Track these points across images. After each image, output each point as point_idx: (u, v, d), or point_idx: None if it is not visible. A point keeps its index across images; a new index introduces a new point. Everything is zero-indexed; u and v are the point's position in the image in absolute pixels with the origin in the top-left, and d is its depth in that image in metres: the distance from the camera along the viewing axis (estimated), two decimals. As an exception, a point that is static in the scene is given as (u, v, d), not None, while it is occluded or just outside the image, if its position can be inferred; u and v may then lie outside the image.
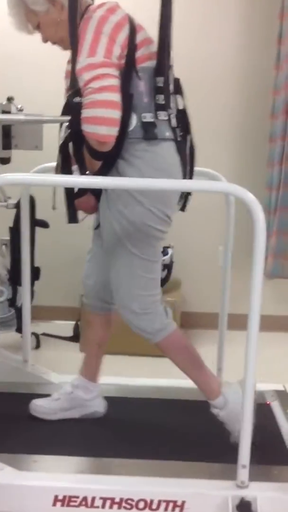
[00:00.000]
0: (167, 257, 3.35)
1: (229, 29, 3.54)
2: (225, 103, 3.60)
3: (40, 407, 2.28)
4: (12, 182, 1.72)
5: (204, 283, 3.67)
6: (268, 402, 2.42)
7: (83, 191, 1.98)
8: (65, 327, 3.61)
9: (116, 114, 1.80)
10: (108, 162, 1.89)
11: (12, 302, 3.32)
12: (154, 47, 1.95)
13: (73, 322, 3.58)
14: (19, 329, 3.21)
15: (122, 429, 2.20)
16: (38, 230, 3.15)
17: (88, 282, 2.26)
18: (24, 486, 1.83)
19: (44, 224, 3.20)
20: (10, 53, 3.03)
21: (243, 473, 1.78)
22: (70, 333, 3.56)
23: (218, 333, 2.59)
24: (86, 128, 1.81)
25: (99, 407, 2.31)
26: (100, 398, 2.32)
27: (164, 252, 3.34)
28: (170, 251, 3.39)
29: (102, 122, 1.79)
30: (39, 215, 3.09)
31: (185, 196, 2.10)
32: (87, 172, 1.93)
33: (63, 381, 2.56)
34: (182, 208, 2.12)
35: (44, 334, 3.52)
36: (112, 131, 1.81)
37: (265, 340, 3.48)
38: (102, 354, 2.35)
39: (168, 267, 3.37)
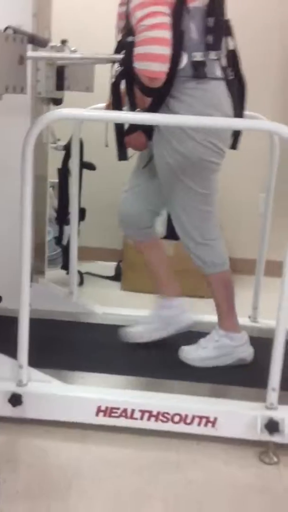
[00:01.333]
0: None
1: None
2: (275, 48, 3.59)
3: (133, 333, 2.43)
4: (68, 116, 1.83)
5: (245, 229, 3.73)
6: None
7: (134, 128, 2.08)
8: (108, 267, 3.77)
9: (166, 50, 1.89)
10: (159, 99, 1.98)
11: (59, 240, 3.47)
12: None
13: (115, 263, 3.74)
14: (64, 267, 3.38)
15: (164, 354, 2.36)
16: (84, 172, 3.26)
17: (129, 213, 2.39)
18: (70, 396, 2.01)
19: (91, 167, 3.31)
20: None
21: (273, 395, 1.92)
22: (112, 273, 3.72)
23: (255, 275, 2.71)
24: (138, 64, 1.91)
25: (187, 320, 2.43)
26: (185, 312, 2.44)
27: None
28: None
29: (153, 58, 1.89)
30: (85, 158, 3.21)
31: (235, 135, 2.18)
32: (138, 110, 2.03)
33: (106, 312, 2.74)
34: (234, 146, 2.21)
35: (87, 273, 3.68)
36: (163, 67, 1.90)
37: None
38: (168, 270, 2.47)
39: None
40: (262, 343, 2.21)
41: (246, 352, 2.29)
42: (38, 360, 2.06)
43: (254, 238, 2.80)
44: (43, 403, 2.00)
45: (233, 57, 2.10)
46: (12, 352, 1.99)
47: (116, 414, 1.97)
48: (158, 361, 2.30)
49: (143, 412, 1.96)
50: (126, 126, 2.10)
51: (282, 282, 1.86)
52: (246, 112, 2.36)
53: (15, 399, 1.96)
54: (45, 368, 2.10)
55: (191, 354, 2.28)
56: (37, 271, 2.90)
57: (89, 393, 2.03)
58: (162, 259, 2.48)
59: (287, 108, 3.63)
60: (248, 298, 2.75)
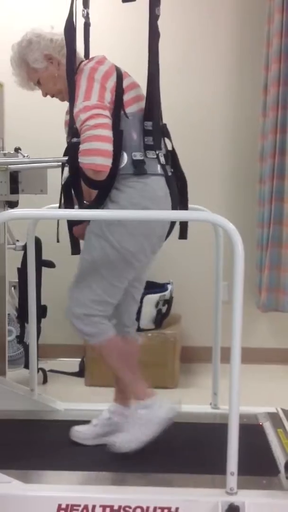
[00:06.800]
0: (167, 292, 3.52)
1: (220, 80, 3.84)
2: (217, 147, 3.88)
3: (80, 433, 2.39)
4: (17, 217, 1.92)
5: (204, 317, 3.80)
6: (260, 423, 2.57)
7: (80, 220, 2.21)
8: (71, 364, 3.77)
9: (109, 147, 2.04)
10: (103, 192, 2.11)
11: (21, 339, 3.48)
12: (140, 91, 2.20)
13: (79, 359, 3.74)
14: (27, 366, 3.37)
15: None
16: (45, 270, 3.34)
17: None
18: (30, 496, 1.98)
19: (50, 264, 3.39)
20: (17, 110, 3.33)
21: (232, 480, 1.92)
22: (76, 369, 3.72)
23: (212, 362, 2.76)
24: (84, 160, 2.04)
25: None
26: None
27: (164, 288, 3.53)
28: (169, 286, 3.57)
29: (97, 153, 2.02)
30: (45, 256, 3.30)
31: (183, 226, 2.30)
32: (85, 202, 2.15)
33: (68, 408, 2.73)
34: (183, 236, 2.31)
35: (51, 370, 3.68)
36: (106, 162, 2.04)
37: (261, 371, 3.66)
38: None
39: (168, 302, 3.54)
40: (224, 429, 2.24)
41: (165, 409, 2.24)
42: (-3, 461, 2.06)
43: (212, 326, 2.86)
44: (3, 505, 1.96)
45: (172, 156, 2.26)
46: None
47: (77, 511, 1.93)
48: (117, 454, 2.25)
49: (104, 507, 1.93)
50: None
51: (231, 368, 1.90)
52: (193, 206, 2.52)
53: (-27, 503, 1.92)
54: (5, 468, 2.06)
55: (122, 443, 2.23)
56: (-3, 371, 2.91)
57: (49, 491, 2.00)
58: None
59: (235, 202, 3.86)
60: (209, 386, 2.79)
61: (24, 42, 2.27)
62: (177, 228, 2.31)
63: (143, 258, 2.22)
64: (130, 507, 1.92)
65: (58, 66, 2.26)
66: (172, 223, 2.28)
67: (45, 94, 2.34)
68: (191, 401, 2.98)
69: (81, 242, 2.24)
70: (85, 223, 2.22)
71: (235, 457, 1.91)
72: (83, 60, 2.27)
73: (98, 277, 2.18)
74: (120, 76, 2.16)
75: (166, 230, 2.25)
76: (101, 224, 2.15)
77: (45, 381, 3.55)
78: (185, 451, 2.30)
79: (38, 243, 3.05)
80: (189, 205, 2.40)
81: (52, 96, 2.33)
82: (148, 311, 3.43)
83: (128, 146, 2.12)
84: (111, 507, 1.93)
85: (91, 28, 2.43)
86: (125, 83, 2.17)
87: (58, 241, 2.27)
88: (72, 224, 2.20)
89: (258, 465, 2.17)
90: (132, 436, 2.23)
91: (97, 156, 2.02)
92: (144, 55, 2.12)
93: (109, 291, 2.21)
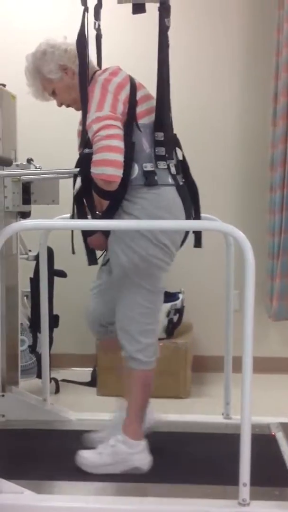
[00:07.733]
0: (178, 302, 3.52)
1: (229, 89, 3.85)
2: (227, 156, 3.88)
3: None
4: (28, 227, 1.94)
5: (216, 326, 3.78)
6: (273, 433, 2.56)
7: (94, 230, 2.22)
8: (84, 373, 3.77)
9: (120, 158, 2.06)
10: (115, 203, 2.13)
11: (33, 348, 3.49)
12: (153, 103, 2.21)
13: (91, 369, 3.74)
14: (39, 375, 3.38)
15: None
16: (57, 279, 3.36)
17: (94, 314, 2.48)
18: (43, 507, 1.98)
19: (62, 274, 3.41)
20: (30, 121, 3.36)
21: (244, 491, 1.91)
22: (88, 379, 3.72)
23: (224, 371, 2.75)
24: (95, 170, 2.06)
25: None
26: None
27: (175, 297, 3.53)
28: (181, 296, 3.57)
29: (108, 164, 2.04)
30: (57, 266, 3.31)
31: (198, 234, 2.31)
32: (97, 212, 2.16)
33: (80, 418, 2.74)
34: (198, 245, 2.32)
35: (63, 380, 3.68)
36: (117, 172, 2.06)
37: (273, 381, 3.65)
38: None
39: (179, 311, 3.54)
40: (236, 440, 2.23)
41: (143, 461, 2.23)
42: (10, 471, 2.06)
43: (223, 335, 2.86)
44: (15, 515, 1.97)
45: (182, 166, 2.27)
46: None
47: (90, 522, 1.94)
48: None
49: (117, 518, 1.93)
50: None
51: (243, 377, 1.90)
52: (204, 215, 2.52)
53: (-14, 513, 1.93)
54: (18, 479, 2.07)
55: (87, 460, 2.23)
56: (10, 381, 2.91)
57: (62, 502, 2.00)
58: None
59: (246, 211, 3.87)
60: (221, 396, 2.78)
61: (39, 53, 2.30)
62: (191, 236, 2.32)
63: (169, 259, 2.23)
64: (143, 518, 1.92)
65: (73, 75, 2.27)
66: (187, 232, 2.29)
67: (60, 104, 2.36)
68: (203, 411, 3.01)
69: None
70: (98, 233, 2.23)
71: (247, 468, 1.90)
72: (97, 69, 2.28)
73: (139, 289, 2.20)
74: (134, 87, 2.18)
75: (182, 237, 2.27)
76: (125, 239, 2.16)
77: (57, 390, 3.55)
78: (197, 461, 2.29)
79: (50, 253, 3.06)
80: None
81: (67, 106, 2.35)
82: (159, 320, 3.42)
83: (139, 157, 2.13)
84: (124, 518, 1.93)
85: (102, 40, 2.44)
86: (138, 95, 2.18)
87: (73, 252, 2.28)
88: (86, 234, 2.21)
89: (270, 476, 2.17)
90: (101, 462, 2.21)
91: (108, 167, 2.03)
92: (155, 65, 2.14)
93: (153, 299, 2.22)
